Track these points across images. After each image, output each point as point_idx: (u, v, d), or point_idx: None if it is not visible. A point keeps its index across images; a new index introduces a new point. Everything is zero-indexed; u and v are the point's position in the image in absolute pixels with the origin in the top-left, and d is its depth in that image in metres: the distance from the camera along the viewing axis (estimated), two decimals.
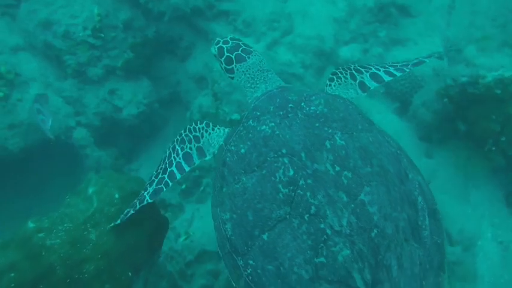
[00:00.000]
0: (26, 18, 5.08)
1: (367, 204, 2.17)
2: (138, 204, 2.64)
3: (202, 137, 2.83)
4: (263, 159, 2.34)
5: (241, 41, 3.06)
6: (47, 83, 5.19)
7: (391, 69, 3.00)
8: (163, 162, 2.79)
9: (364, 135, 2.41)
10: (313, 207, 2.16)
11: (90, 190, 2.88)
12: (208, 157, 2.80)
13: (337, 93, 2.89)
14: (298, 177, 2.23)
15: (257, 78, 2.91)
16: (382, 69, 3.00)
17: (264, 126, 2.44)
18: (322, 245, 2.11)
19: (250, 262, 2.25)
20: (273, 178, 2.27)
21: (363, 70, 3.00)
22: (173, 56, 5.95)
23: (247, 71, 2.93)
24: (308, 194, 2.19)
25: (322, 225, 2.13)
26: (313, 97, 2.53)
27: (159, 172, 2.76)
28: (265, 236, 2.22)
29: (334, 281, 2.07)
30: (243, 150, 2.44)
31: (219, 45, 3.00)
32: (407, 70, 3.01)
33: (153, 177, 2.74)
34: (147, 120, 5.63)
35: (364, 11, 5.47)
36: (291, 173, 2.25)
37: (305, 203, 2.18)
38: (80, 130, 5.22)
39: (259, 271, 2.22)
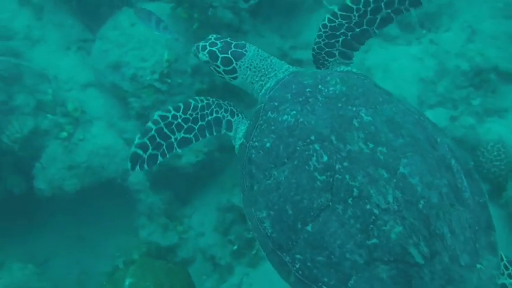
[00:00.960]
0: (98, 57, 5.05)
1: (408, 176, 2.12)
2: (164, 147, 2.51)
3: (237, 115, 2.75)
4: (292, 150, 2.26)
5: (227, 37, 2.82)
6: (111, 122, 5.11)
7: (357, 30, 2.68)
8: (193, 110, 2.60)
9: (387, 106, 2.35)
10: (355, 189, 2.10)
11: (127, 282, 2.66)
12: (231, 133, 2.70)
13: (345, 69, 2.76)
14: (333, 162, 2.16)
15: (264, 68, 2.74)
16: (350, 33, 2.69)
17: (285, 116, 2.35)
18: (371, 226, 2.05)
19: (298, 256, 2.20)
20: (306, 167, 2.20)
21: (333, 41, 2.72)
22: (239, 102, 5.67)
23: (250, 64, 2.73)
24: (347, 177, 2.13)
25: (368, 206, 2.07)
26: (328, 77, 2.44)
27: (188, 119, 2.58)
28: (309, 228, 2.16)
29: (391, 261, 2.02)
30: (268, 145, 2.35)
31: (207, 49, 2.72)
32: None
33: (179, 119, 2.55)
34: (206, 168, 5.37)
35: (457, 74, 4.86)
36: (325, 158, 2.17)
37: (346, 186, 2.12)
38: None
39: (308, 264, 2.17)
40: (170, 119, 2.53)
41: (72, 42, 5.51)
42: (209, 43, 2.75)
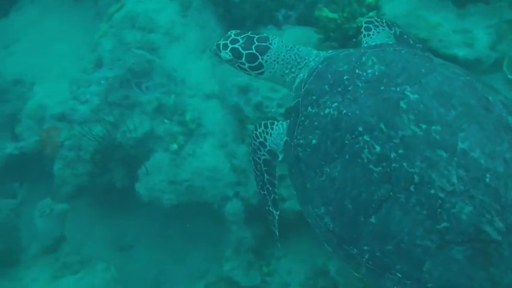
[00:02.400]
0: (228, 71, 4.72)
1: (469, 150, 2.00)
2: (275, 223, 2.75)
3: (266, 140, 2.70)
4: (341, 144, 2.20)
5: (247, 31, 2.73)
6: (223, 142, 4.79)
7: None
8: (256, 175, 2.78)
9: (432, 77, 2.21)
10: (415, 176, 2.02)
11: None
12: (280, 157, 2.70)
13: (377, 42, 2.74)
14: (387, 151, 2.08)
15: (292, 59, 2.65)
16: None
17: (327, 110, 2.28)
18: (439, 210, 1.98)
19: (365, 248, 2.16)
20: (359, 160, 2.13)
21: (393, 26, 2.90)
22: None
23: (277, 57, 2.65)
24: (405, 164, 2.04)
25: (432, 191, 1.99)
26: (364, 58, 2.33)
27: (261, 186, 2.75)
28: (372, 219, 2.11)
29: (465, 241, 1.96)
30: (314, 141, 2.30)
31: (229, 47, 2.64)
32: None
33: (260, 191, 2.77)
34: None
35: None
36: (378, 149, 2.10)
37: (405, 174, 2.04)
38: (235, 203, 4.72)
39: (378, 254, 2.12)
40: (262, 192, 2.79)
41: (209, 46, 5.27)
42: (230, 40, 2.65)
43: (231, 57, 2.65)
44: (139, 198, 4.67)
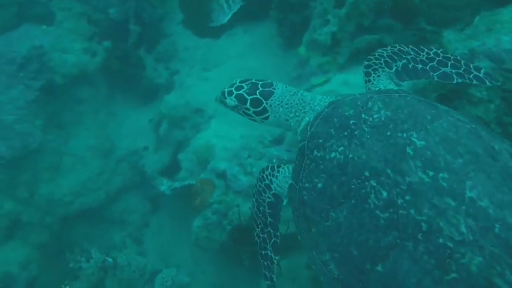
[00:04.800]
0: None
1: (477, 199, 1.96)
2: (273, 268, 2.70)
3: (272, 183, 2.71)
4: (347, 189, 2.16)
5: (251, 78, 2.78)
6: None
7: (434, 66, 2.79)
8: (257, 217, 2.78)
9: (438, 124, 2.20)
10: (423, 223, 1.97)
11: None
12: (285, 201, 2.69)
13: (380, 86, 2.72)
14: (394, 197, 2.05)
15: (296, 103, 2.67)
16: (413, 63, 2.81)
17: (333, 153, 2.26)
18: (448, 260, 1.91)
19: None
20: (366, 206, 2.09)
21: (396, 58, 2.83)
22: None
23: (282, 101, 2.69)
24: (412, 211, 2.00)
25: (441, 240, 1.93)
26: (370, 103, 2.33)
27: (262, 227, 2.76)
28: (379, 268, 2.04)
29: None
30: (320, 185, 2.27)
31: (234, 93, 2.69)
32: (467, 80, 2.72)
33: (260, 235, 2.76)
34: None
35: None
36: (384, 194, 2.06)
37: (412, 222, 1.99)
38: None
39: None
40: (257, 240, 2.78)
41: None
42: (235, 87, 2.73)
43: (236, 103, 2.69)
44: None
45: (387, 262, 2.03)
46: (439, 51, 2.84)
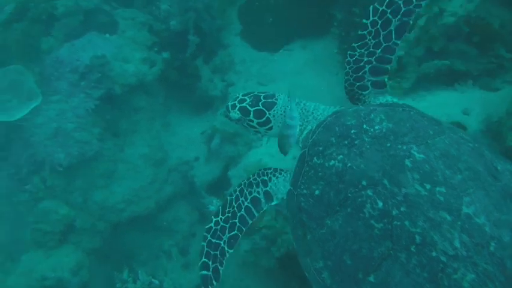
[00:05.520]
0: None
1: (473, 216, 1.96)
2: (219, 255, 2.55)
3: (270, 180, 2.68)
4: (344, 197, 2.18)
5: (254, 91, 2.84)
6: None
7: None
8: (229, 206, 2.66)
9: (439, 139, 2.20)
10: (417, 236, 1.97)
11: None
12: (275, 202, 2.66)
13: (381, 101, 2.68)
14: (389, 208, 2.05)
15: (299, 113, 2.67)
16: (374, 57, 2.65)
17: (332, 161, 2.28)
18: (440, 274, 1.91)
19: None
20: (361, 215, 2.10)
21: (361, 74, 2.70)
22: None
23: (284, 111, 2.73)
24: (407, 223, 2.00)
25: (434, 254, 1.93)
26: (372, 115, 2.35)
27: (228, 216, 2.64)
28: (371, 278, 2.04)
29: None
30: (317, 192, 2.29)
31: (237, 106, 2.78)
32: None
33: (221, 222, 2.63)
34: None
35: None
36: (380, 205, 2.07)
37: (406, 233, 1.99)
38: None
39: None
40: (214, 226, 2.61)
41: None
42: (238, 100, 2.79)
43: (240, 115, 2.76)
44: None
45: (379, 272, 2.02)
46: (373, 18, 2.60)
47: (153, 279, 3.57)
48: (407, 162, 2.10)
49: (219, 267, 2.55)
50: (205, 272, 2.52)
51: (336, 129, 2.36)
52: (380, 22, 2.57)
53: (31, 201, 5.58)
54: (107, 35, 6.24)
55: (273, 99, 2.74)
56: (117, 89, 5.77)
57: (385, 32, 2.58)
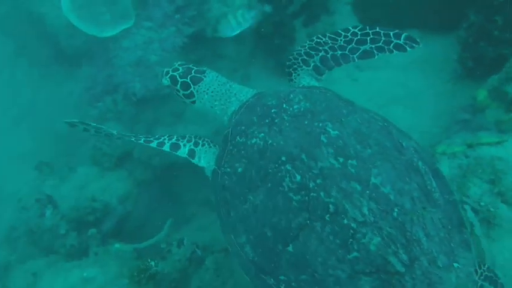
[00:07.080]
0: None
1: (380, 185, 2.15)
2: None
3: (203, 145, 2.83)
4: (264, 173, 2.30)
5: (190, 63, 3.03)
6: None
7: (348, 51, 2.89)
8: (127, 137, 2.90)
9: (352, 118, 2.40)
10: (331, 205, 2.13)
11: None
12: (195, 161, 2.79)
13: (303, 83, 2.93)
14: (306, 181, 2.20)
15: (222, 92, 2.88)
16: (331, 52, 2.91)
17: (254, 139, 2.43)
18: (351, 240, 2.07)
19: (282, 278, 2.21)
20: (281, 188, 2.24)
21: (313, 53, 2.94)
22: None
23: (208, 89, 2.90)
24: (322, 194, 2.15)
25: (345, 221, 2.09)
26: (291, 95, 2.54)
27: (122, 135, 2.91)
28: (290, 248, 2.17)
29: (372, 272, 2.03)
30: (240, 169, 2.41)
31: (169, 74, 2.97)
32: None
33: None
34: None
35: None
36: (298, 178, 2.22)
37: (322, 203, 2.14)
38: None
39: (293, 284, 2.18)
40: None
41: None
42: (172, 69, 3.00)
43: (169, 83, 2.95)
44: None
45: (297, 242, 2.15)
46: (356, 30, 2.91)
47: (197, 249, 3.48)
48: (323, 138, 2.30)
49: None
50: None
51: (258, 109, 2.55)
52: (359, 37, 2.88)
53: (99, 119, 5.59)
54: None
55: (202, 75, 2.92)
56: (208, 31, 5.46)
57: (355, 46, 2.87)
